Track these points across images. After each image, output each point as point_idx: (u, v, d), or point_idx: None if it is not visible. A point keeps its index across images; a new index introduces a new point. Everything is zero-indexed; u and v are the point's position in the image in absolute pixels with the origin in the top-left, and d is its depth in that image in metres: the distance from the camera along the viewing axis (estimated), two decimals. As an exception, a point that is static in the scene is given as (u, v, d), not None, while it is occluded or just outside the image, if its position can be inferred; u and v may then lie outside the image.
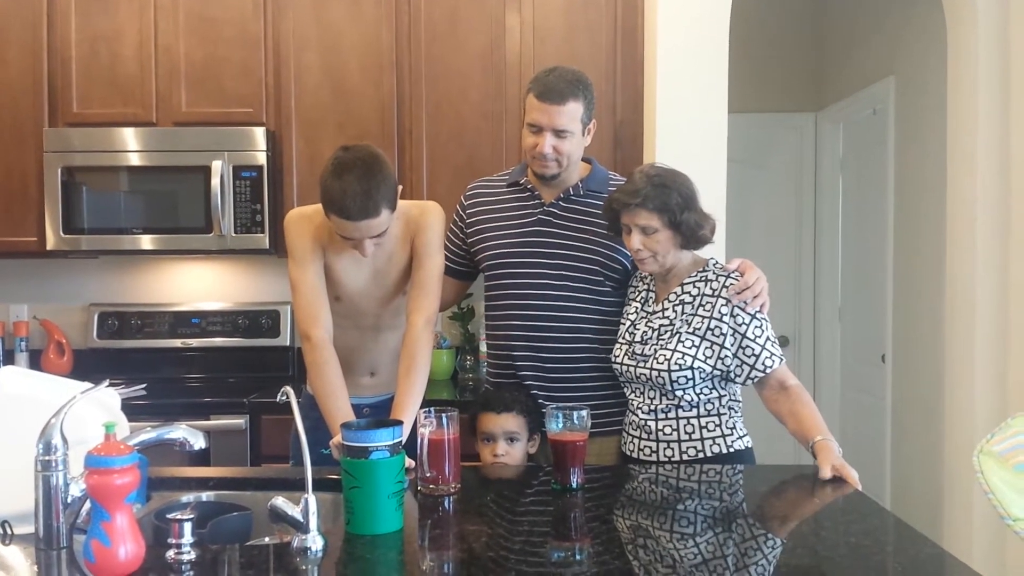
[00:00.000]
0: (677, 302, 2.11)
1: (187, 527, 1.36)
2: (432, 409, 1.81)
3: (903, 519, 1.66)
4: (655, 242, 2.05)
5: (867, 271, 4.46)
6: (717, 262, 2.16)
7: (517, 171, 2.42)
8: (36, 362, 3.51)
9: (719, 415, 2.09)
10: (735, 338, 2.04)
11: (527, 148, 2.24)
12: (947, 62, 3.29)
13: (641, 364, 2.10)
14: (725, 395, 2.10)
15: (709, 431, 2.08)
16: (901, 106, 4.05)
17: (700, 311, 2.07)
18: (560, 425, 1.84)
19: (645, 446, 2.12)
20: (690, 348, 2.04)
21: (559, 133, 2.19)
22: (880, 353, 4.26)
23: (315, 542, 1.42)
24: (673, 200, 2.02)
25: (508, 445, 2.18)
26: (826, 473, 1.85)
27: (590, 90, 2.23)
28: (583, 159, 2.34)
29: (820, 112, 4.94)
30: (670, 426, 2.09)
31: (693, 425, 2.08)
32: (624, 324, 2.21)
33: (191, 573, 1.35)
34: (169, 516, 1.38)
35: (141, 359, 3.55)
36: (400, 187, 2.06)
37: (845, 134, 4.79)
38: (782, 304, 4.88)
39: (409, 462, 1.76)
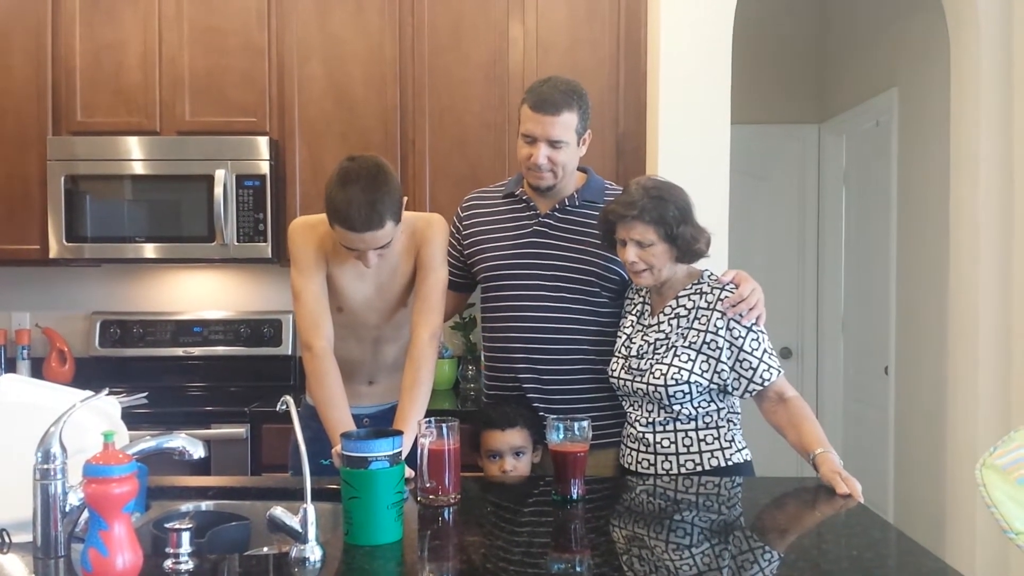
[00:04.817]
0: (672, 315, 2.10)
1: (185, 537, 1.36)
2: (432, 419, 1.80)
3: (906, 532, 1.65)
4: (651, 255, 2.04)
5: (870, 283, 4.45)
6: (712, 274, 2.14)
7: (512, 182, 2.41)
8: (38, 370, 3.51)
9: (717, 428, 2.08)
10: (732, 351, 2.03)
11: (522, 159, 2.24)
12: (950, 73, 3.29)
13: (638, 378, 2.09)
14: (723, 408, 2.09)
15: (707, 444, 2.07)
16: (904, 118, 4.05)
17: (696, 324, 2.06)
18: (561, 436, 1.82)
19: (643, 459, 2.10)
20: (686, 362, 2.03)
21: (553, 144, 2.19)
22: (883, 365, 4.25)
23: (313, 552, 1.42)
24: (670, 213, 2.01)
25: (515, 460, 2.17)
26: (842, 489, 1.80)
27: (585, 100, 2.23)
28: (579, 169, 2.34)
29: (823, 123, 4.94)
30: (668, 439, 2.08)
31: (691, 438, 2.07)
32: (620, 338, 2.20)
33: (189, 583, 1.34)
34: (167, 525, 1.38)
35: (143, 367, 3.55)
36: (405, 199, 2.05)
37: (848, 145, 4.79)
38: (785, 315, 4.88)
39: (409, 472, 1.76)
